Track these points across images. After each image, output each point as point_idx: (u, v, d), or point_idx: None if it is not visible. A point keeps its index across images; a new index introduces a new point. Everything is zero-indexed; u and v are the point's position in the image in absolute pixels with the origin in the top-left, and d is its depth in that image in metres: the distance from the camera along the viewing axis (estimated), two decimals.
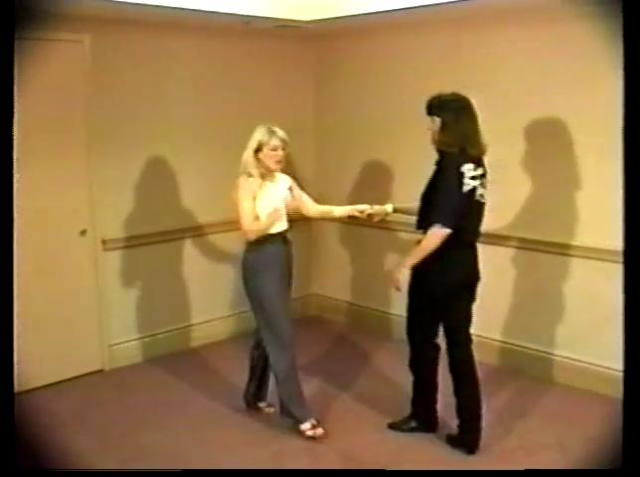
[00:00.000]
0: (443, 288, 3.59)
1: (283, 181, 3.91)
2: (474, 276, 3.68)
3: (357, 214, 4.06)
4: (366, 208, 4.05)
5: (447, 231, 3.40)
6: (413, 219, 3.70)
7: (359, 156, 5.57)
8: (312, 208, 4.08)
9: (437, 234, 3.43)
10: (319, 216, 4.29)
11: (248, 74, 5.37)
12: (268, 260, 3.76)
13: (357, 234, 5.55)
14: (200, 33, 4.97)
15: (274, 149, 3.70)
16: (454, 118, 3.47)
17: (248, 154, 3.72)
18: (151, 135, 4.90)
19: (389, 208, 4.06)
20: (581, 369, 4.41)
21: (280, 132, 3.73)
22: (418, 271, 3.58)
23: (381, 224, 4.81)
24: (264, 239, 3.75)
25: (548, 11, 4.14)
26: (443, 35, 4.81)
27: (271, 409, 4.17)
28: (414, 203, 3.71)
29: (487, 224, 3.69)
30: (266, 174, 3.76)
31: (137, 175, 4.87)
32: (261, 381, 4.16)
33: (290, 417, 3.91)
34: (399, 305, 5.33)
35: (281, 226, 3.83)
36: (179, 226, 5.12)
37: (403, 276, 3.57)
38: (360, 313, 5.78)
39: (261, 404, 4.20)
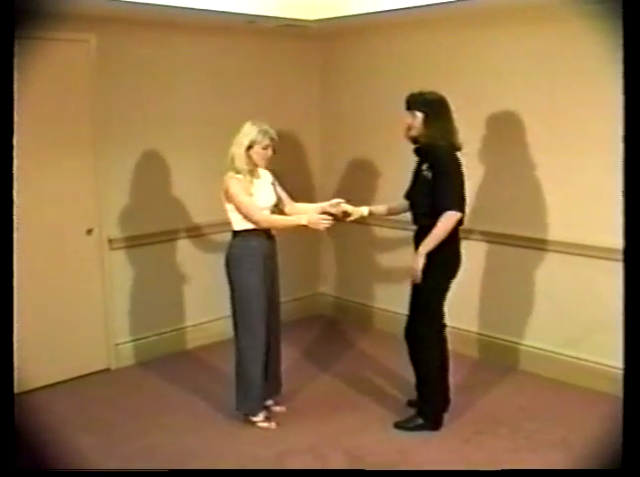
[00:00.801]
0: (451, 273, 3.79)
1: (266, 176, 3.96)
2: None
3: (331, 210, 4.01)
4: (339, 201, 4.04)
5: (459, 214, 3.59)
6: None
7: (364, 153, 5.58)
8: (290, 206, 4.07)
9: (452, 218, 3.59)
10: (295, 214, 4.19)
11: (253, 73, 5.38)
12: (252, 255, 3.84)
13: (359, 233, 5.55)
14: (205, 32, 4.98)
15: (266, 148, 3.79)
16: (438, 114, 3.66)
17: (240, 151, 3.78)
18: (158, 135, 4.91)
19: (364, 210, 4.13)
20: (583, 367, 4.40)
21: (271, 131, 3.81)
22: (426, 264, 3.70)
23: (386, 223, 4.87)
24: (249, 234, 3.83)
25: (548, 9, 4.14)
26: (447, 33, 4.81)
27: (277, 408, 4.17)
28: (390, 204, 3.95)
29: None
30: (253, 171, 3.83)
31: (144, 174, 4.89)
32: (265, 380, 4.13)
33: (243, 409, 4.01)
34: (401, 303, 5.35)
35: None
36: (185, 225, 5.14)
37: (421, 264, 3.67)
38: (361, 311, 5.78)
39: (268, 403, 4.17)
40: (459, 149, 3.72)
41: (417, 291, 3.81)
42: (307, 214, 3.85)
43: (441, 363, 3.88)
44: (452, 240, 3.72)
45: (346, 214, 4.10)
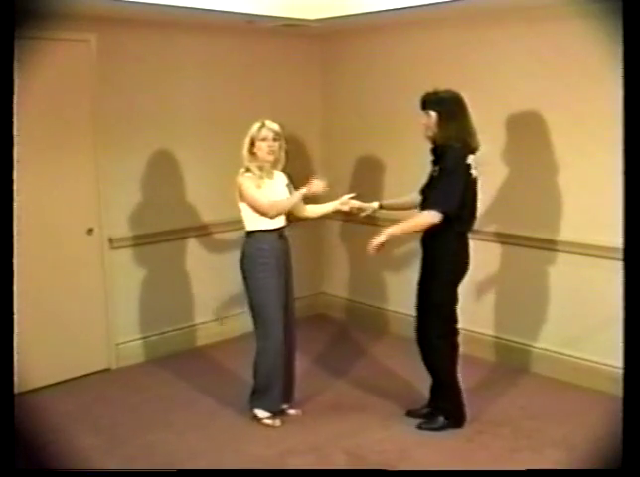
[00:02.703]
0: (459, 270, 3.76)
1: (281, 178, 3.97)
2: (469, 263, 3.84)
3: (342, 207, 4.04)
4: (350, 195, 4.04)
5: (438, 216, 3.54)
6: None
7: (365, 151, 5.58)
8: (303, 207, 4.07)
9: (428, 217, 3.58)
10: (311, 215, 4.18)
11: (255, 72, 5.38)
12: (265, 255, 3.84)
13: (363, 233, 5.53)
14: (206, 31, 4.98)
15: (264, 139, 3.78)
16: (453, 114, 3.60)
17: (244, 150, 3.81)
18: (158, 134, 4.91)
19: (374, 205, 4.08)
20: (585, 366, 4.40)
21: (271, 124, 3.81)
22: (435, 266, 3.72)
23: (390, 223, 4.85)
24: (262, 234, 3.84)
25: (549, 9, 4.15)
26: (447, 33, 4.81)
27: (293, 412, 4.12)
28: (401, 198, 3.90)
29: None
30: (264, 169, 3.82)
31: (145, 173, 4.89)
32: (284, 382, 4.06)
33: (254, 404, 4.02)
34: (406, 303, 5.35)
35: (279, 222, 3.89)
36: (186, 224, 5.14)
37: (380, 240, 3.70)
38: (366, 312, 5.77)
39: (284, 407, 4.12)
40: (475, 150, 3.63)
41: (427, 292, 3.78)
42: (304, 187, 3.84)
43: (455, 362, 3.85)
44: (459, 239, 3.71)
45: (359, 209, 4.06)
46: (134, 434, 3.92)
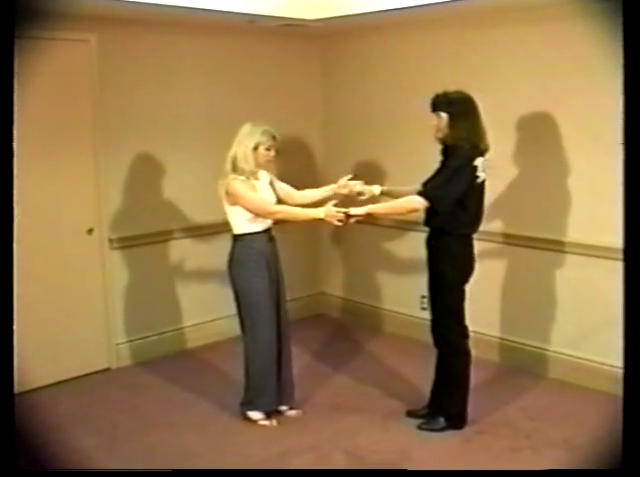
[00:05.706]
0: (465, 267, 3.75)
1: (264, 177, 3.95)
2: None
3: (341, 191, 3.96)
4: (347, 177, 3.98)
5: (425, 204, 3.55)
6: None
7: (365, 151, 5.57)
8: (295, 196, 4.03)
9: (415, 202, 3.59)
10: (302, 201, 4.03)
11: (254, 72, 5.38)
12: (255, 256, 3.83)
13: (363, 234, 5.54)
14: (206, 32, 4.98)
15: (269, 149, 3.79)
16: (463, 114, 3.57)
17: (245, 152, 3.75)
18: (158, 134, 4.92)
19: (376, 189, 4.01)
20: (586, 367, 4.39)
21: (273, 131, 3.82)
22: (439, 267, 3.71)
23: (390, 223, 4.84)
24: (251, 237, 3.83)
25: (549, 8, 4.15)
26: (447, 33, 4.82)
27: (292, 412, 4.12)
28: (403, 187, 3.86)
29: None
30: (255, 172, 3.82)
31: (144, 174, 4.89)
32: (278, 383, 4.04)
33: (245, 407, 4.03)
34: (405, 303, 5.35)
35: (267, 223, 3.88)
36: (187, 225, 5.14)
37: (356, 213, 3.70)
38: (365, 311, 5.77)
39: (282, 408, 4.12)
40: (484, 152, 3.60)
41: (438, 294, 3.77)
42: (324, 207, 3.74)
43: (468, 363, 3.85)
44: (462, 241, 3.70)
45: (359, 193, 3.98)
46: (133, 435, 3.93)
